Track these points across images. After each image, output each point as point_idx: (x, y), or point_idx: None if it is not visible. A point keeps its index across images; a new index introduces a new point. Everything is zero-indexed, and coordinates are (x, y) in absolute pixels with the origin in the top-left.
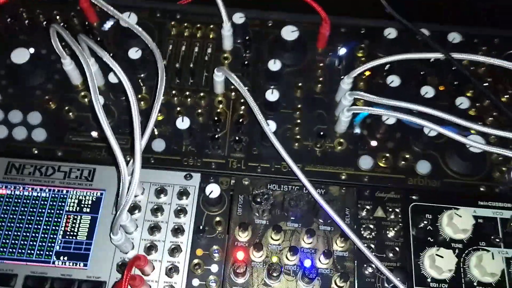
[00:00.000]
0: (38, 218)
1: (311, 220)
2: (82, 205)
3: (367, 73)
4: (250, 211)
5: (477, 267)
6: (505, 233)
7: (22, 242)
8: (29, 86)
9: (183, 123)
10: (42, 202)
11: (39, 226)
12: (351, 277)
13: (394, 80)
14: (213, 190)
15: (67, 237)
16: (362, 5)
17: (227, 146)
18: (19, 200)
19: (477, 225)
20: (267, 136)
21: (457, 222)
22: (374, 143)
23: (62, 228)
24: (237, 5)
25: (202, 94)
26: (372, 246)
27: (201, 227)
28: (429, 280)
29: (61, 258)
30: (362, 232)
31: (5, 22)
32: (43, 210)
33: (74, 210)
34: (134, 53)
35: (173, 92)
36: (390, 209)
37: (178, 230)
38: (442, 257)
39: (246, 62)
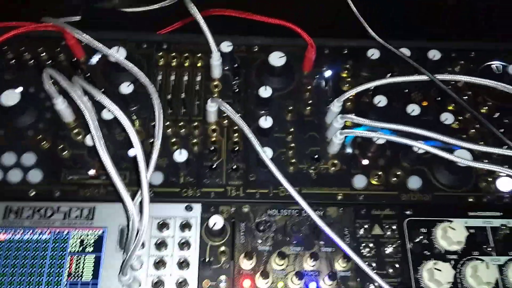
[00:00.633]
0: (41, 262)
1: (313, 243)
2: (85, 245)
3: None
4: (252, 238)
5: (473, 277)
6: (496, 241)
7: None
8: (20, 127)
9: (181, 155)
10: (44, 245)
11: (42, 270)
12: None
13: (381, 100)
14: (217, 222)
15: (72, 278)
16: (343, 26)
17: (225, 174)
18: (20, 245)
19: (469, 235)
20: (263, 162)
21: (452, 235)
22: (365, 161)
23: (67, 270)
24: (219, 32)
25: (195, 123)
26: (373, 264)
27: (206, 260)
28: None
29: None
30: (362, 251)
31: None
32: (46, 253)
33: (77, 250)
34: (126, 88)
35: (167, 123)
36: (387, 226)
37: (183, 264)
38: (440, 270)
39: (237, 90)
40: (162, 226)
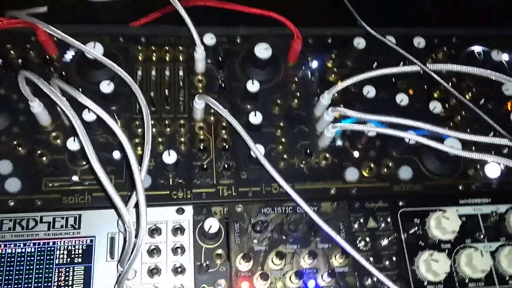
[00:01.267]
0: (26, 277)
1: (309, 240)
2: (73, 256)
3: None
4: (248, 238)
5: (468, 265)
6: (487, 228)
7: None
8: None
9: (170, 157)
10: (28, 259)
11: (29, 285)
12: None
13: (369, 91)
14: (212, 225)
15: None
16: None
17: (215, 174)
18: (3, 260)
19: (461, 224)
20: (253, 159)
21: (446, 225)
22: (356, 153)
23: (55, 284)
24: (201, 23)
25: (181, 121)
26: (370, 258)
27: (203, 264)
28: (425, 283)
29: None
30: (358, 245)
31: None
32: (31, 267)
33: (64, 262)
34: (106, 87)
35: (151, 122)
36: (381, 218)
37: (179, 269)
38: (437, 261)
39: (222, 84)
40: (154, 231)
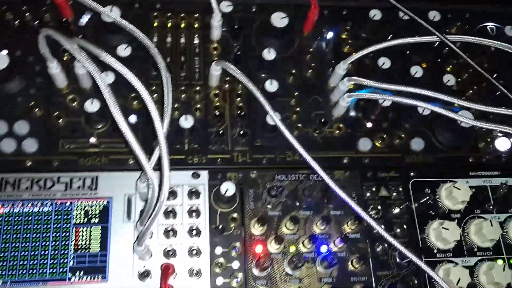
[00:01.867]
0: (44, 235)
1: (322, 207)
2: (90, 216)
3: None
4: (262, 204)
5: (477, 234)
6: (496, 199)
7: (32, 262)
8: (9, 93)
9: (186, 121)
10: (46, 218)
11: (47, 243)
12: (367, 258)
13: (385, 62)
14: (228, 188)
15: (79, 251)
16: None
17: (230, 140)
18: (20, 218)
19: (471, 195)
20: (268, 127)
21: (456, 195)
22: (369, 124)
23: (73, 242)
24: None
25: (197, 88)
26: (382, 226)
27: (219, 227)
28: (435, 251)
29: (77, 273)
30: (370, 213)
31: None
32: (48, 226)
33: (82, 222)
34: (123, 51)
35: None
36: (393, 188)
37: (194, 231)
38: (448, 229)
39: (238, 52)
40: (170, 194)
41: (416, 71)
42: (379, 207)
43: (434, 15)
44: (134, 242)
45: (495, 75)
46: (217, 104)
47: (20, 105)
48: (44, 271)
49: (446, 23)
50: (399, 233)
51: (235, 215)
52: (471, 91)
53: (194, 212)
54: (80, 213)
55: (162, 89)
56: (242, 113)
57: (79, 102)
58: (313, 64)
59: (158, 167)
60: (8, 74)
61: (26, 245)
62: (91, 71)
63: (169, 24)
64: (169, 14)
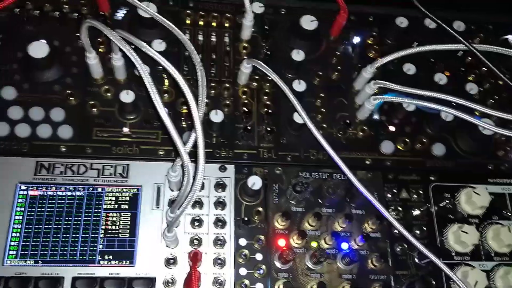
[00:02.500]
0: (76, 218)
1: (344, 205)
2: (120, 202)
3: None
4: (286, 199)
5: (495, 239)
6: None
7: (63, 244)
8: (47, 81)
9: (217, 116)
10: (78, 202)
11: (78, 226)
12: (386, 257)
13: (410, 68)
14: (255, 182)
15: (109, 235)
16: None
17: (257, 137)
18: (53, 201)
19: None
20: (294, 125)
21: (476, 200)
22: (392, 128)
23: (103, 227)
24: None
25: (226, 85)
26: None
27: (246, 219)
28: (453, 253)
29: (106, 257)
30: (391, 213)
31: (12, 13)
32: (80, 210)
33: (112, 208)
34: (158, 45)
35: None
36: (414, 190)
37: (220, 222)
38: (467, 233)
39: (268, 52)
40: None
41: (441, 78)
42: (400, 208)
43: (459, 25)
44: (165, 230)
45: None
46: (245, 101)
47: (57, 93)
48: (74, 254)
49: (470, 34)
50: (418, 234)
51: (260, 209)
52: (492, 101)
53: (220, 203)
54: (110, 199)
55: (192, 84)
56: (270, 111)
57: (113, 93)
58: (339, 67)
59: (192, 159)
60: (47, 62)
61: (59, 227)
62: (133, 60)
63: (201, 23)
64: (201, 12)
